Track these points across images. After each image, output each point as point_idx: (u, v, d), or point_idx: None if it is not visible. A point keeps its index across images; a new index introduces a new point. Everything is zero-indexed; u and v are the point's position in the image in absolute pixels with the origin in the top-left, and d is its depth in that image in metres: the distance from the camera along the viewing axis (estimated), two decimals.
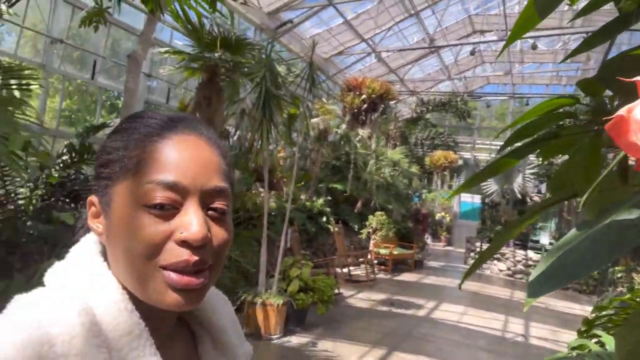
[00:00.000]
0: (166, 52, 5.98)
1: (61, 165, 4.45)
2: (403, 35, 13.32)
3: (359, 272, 9.16)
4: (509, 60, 14.33)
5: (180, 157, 0.53)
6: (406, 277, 9.72)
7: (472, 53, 11.92)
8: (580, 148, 0.93)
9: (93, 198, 0.57)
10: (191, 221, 0.51)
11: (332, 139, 10.00)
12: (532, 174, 11.49)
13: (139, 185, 0.51)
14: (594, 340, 2.39)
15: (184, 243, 0.50)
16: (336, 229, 8.77)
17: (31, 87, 3.18)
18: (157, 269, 0.51)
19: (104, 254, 0.58)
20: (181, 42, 6.50)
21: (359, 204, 11.07)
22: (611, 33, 0.83)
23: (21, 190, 4.15)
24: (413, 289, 8.52)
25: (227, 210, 0.56)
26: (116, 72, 7.19)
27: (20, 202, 4.13)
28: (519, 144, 0.96)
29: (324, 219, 9.15)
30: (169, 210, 0.51)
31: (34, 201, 4.31)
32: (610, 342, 2.27)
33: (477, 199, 17.26)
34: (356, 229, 10.46)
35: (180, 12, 4.14)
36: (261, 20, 9.89)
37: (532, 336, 6.15)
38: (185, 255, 0.50)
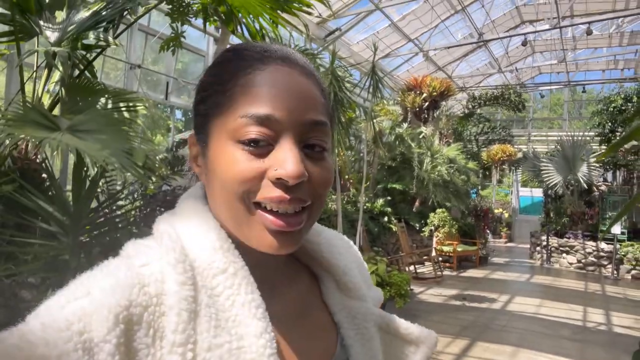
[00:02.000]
0: None
1: (154, 178, 4.87)
2: (449, 32, 13.29)
3: (424, 269, 9.20)
4: (562, 48, 13.92)
5: (274, 89, 0.50)
6: (472, 273, 9.64)
7: (524, 44, 11.71)
8: None
9: (193, 137, 0.56)
10: (286, 157, 0.48)
11: (385, 140, 10.14)
12: (596, 162, 11.09)
13: (232, 120, 0.49)
14: None
15: (278, 180, 0.48)
16: (399, 228, 8.87)
17: (137, 108, 3.57)
18: (252, 207, 0.49)
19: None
20: None
21: (417, 203, 11.10)
22: None
23: (120, 202, 4.58)
24: (482, 284, 8.45)
25: (327, 147, 0.53)
26: (185, 91, 7.69)
27: (118, 212, 4.56)
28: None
29: (385, 218, 9.27)
30: (263, 147, 0.49)
31: (133, 212, 4.75)
32: None
33: (536, 193, 16.76)
34: (417, 228, 10.49)
35: (246, 33, 4.46)
36: (310, 30, 10.22)
37: (615, 325, 5.99)
38: (279, 192, 0.48)
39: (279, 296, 0.57)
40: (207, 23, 4.36)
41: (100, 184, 3.97)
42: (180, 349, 0.43)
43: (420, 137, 9.83)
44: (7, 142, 3.02)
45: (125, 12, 3.62)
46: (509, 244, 16.50)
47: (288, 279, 0.61)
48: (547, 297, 7.45)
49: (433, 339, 0.66)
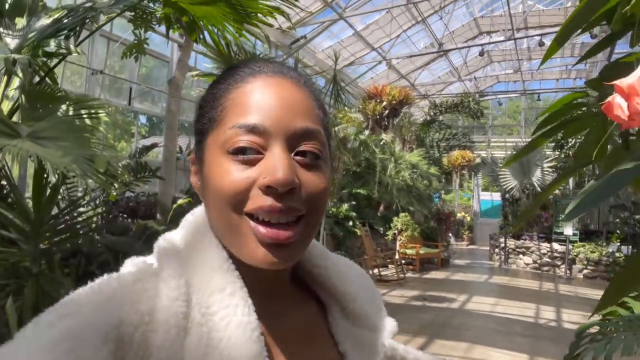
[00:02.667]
0: (197, 75, 6.42)
1: (117, 185, 4.88)
2: (411, 42, 13.71)
3: (387, 272, 9.44)
4: (518, 58, 14.59)
5: (262, 99, 0.50)
6: (434, 274, 9.95)
7: (481, 54, 12.23)
8: (593, 129, 1.28)
9: (192, 156, 0.57)
10: (275, 164, 0.47)
11: (350, 146, 10.36)
12: (550, 167, 11.68)
13: (222, 132, 0.50)
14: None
15: (268, 189, 0.47)
16: (364, 232, 9.08)
17: (100, 115, 3.60)
18: (244, 219, 0.48)
19: None
20: (205, 63, 6.94)
21: (381, 207, 11.36)
22: (606, 45, 1.17)
23: (81, 209, 4.56)
24: (443, 285, 8.75)
25: (321, 154, 0.52)
26: (149, 97, 7.67)
27: (79, 218, 4.54)
28: (546, 128, 1.31)
29: (350, 223, 9.47)
30: (253, 156, 0.49)
31: (94, 218, 4.73)
32: (637, 307, 2.53)
33: (496, 197, 17.40)
34: (381, 231, 10.75)
35: (209, 39, 4.55)
36: (276, 37, 10.36)
37: (565, 321, 6.35)
38: (270, 200, 0.47)
39: (281, 321, 0.55)
40: (171, 30, 4.43)
41: (61, 190, 3.96)
42: None
43: (381, 143, 10.11)
44: None
45: (87, 20, 3.65)
46: (470, 247, 17.04)
47: (293, 303, 0.58)
48: (503, 296, 7.80)
49: None
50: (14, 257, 2.98)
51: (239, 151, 0.48)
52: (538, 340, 5.36)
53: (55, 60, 3.74)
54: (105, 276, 0.46)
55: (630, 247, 10.23)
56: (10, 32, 3.49)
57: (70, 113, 3.57)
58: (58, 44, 3.50)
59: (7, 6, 3.62)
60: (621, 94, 0.76)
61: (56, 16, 3.57)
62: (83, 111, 3.60)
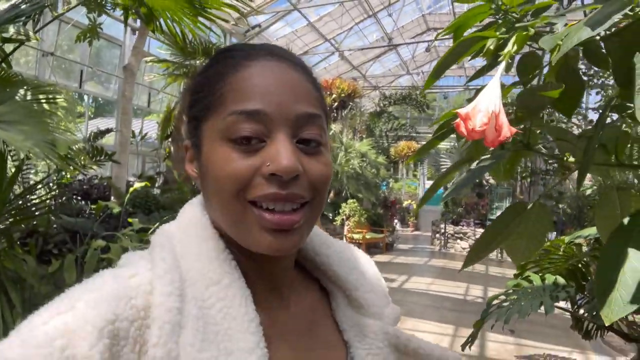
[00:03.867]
0: (152, 61, 6.52)
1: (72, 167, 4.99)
2: (363, 35, 14.16)
3: None
4: None
5: (262, 84, 0.49)
6: (379, 258, 10.56)
7: (427, 50, 12.88)
8: None
9: (187, 143, 0.56)
10: (278, 152, 0.47)
11: None
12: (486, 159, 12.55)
13: (222, 119, 0.49)
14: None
15: (272, 177, 0.47)
16: None
17: (57, 100, 3.72)
18: (248, 206, 0.48)
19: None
20: (157, 48, 7.03)
21: (331, 194, 11.83)
22: (485, 72, 1.56)
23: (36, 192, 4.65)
24: (385, 267, 9.35)
25: (323, 141, 0.52)
26: (102, 79, 7.65)
27: (35, 201, 4.64)
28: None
29: None
30: (255, 144, 0.48)
31: (48, 200, 4.83)
32: (536, 279, 3.05)
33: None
34: (330, 217, 11.23)
35: (165, 28, 4.73)
36: (230, 25, 10.46)
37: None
38: (274, 188, 0.47)
39: (283, 310, 0.55)
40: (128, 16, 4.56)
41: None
42: None
43: (330, 133, 10.57)
44: None
45: (46, 6, 3.74)
46: (415, 232, 17.94)
47: (295, 292, 0.59)
48: (438, 277, 8.50)
49: None
50: None
51: (240, 138, 0.48)
52: (464, 313, 6.00)
53: (12, 46, 3.82)
54: (100, 272, 0.46)
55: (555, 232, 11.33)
56: None
57: (29, 98, 3.68)
58: (17, 30, 3.60)
59: None
60: (461, 118, 1.13)
61: (14, 1, 3.64)
62: (41, 96, 3.72)
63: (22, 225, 3.89)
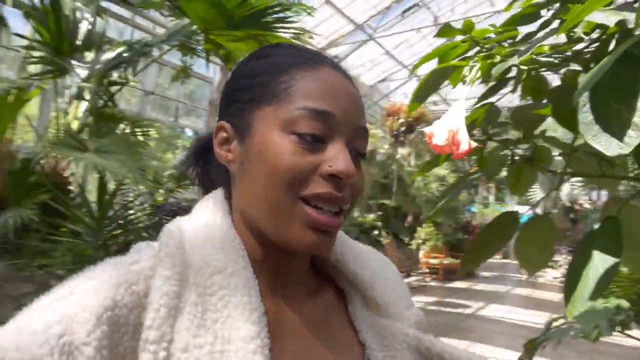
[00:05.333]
0: None
1: (163, 191, 5.66)
2: None
3: (410, 280, 9.86)
4: None
5: (332, 89, 0.50)
6: (457, 284, 10.25)
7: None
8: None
9: (223, 123, 0.55)
10: (339, 155, 0.48)
11: (380, 158, 10.88)
12: (578, 181, 11.73)
13: (287, 111, 0.49)
14: None
15: (331, 177, 0.48)
16: (387, 241, 9.58)
17: (150, 132, 4.37)
18: (297, 202, 0.48)
19: (229, 194, 0.56)
20: None
21: (409, 218, 11.78)
22: (491, 94, 1.66)
23: (132, 211, 5.33)
24: (463, 293, 9.08)
25: (364, 155, 0.54)
26: (194, 113, 8.54)
27: (130, 218, 5.24)
28: None
29: (376, 232, 9.98)
30: (316, 143, 0.49)
31: (143, 218, 5.50)
32: (598, 303, 2.94)
33: (537, 211, 17.25)
34: (406, 241, 11.17)
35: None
36: None
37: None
38: (330, 188, 0.48)
39: (296, 307, 0.54)
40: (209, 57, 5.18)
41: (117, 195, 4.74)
42: (152, 347, 0.41)
43: (397, 157, 10.61)
44: (44, 160, 3.83)
45: (143, 54, 4.42)
46: (504, 260, 17.00)
47: (309, 289, 0.58)
48: (519, 306, 8.06)
49: None
50: (81, 247, 3.75)
51: (306, 134, 0.48)
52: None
53: (116, 87, 4.55)
54: (105, 260, 0.47)
55: None
56: (81, 65, 4.29)
57: (127, 131, 4.36)
58: (119, 75, 4.30)
59: (79, 42, 4.42)
60: (428, 136, 1.29)
61: (118, 50, 4.37)
62: (137, 129, 4.38)
63: (120, 240, 4.54)
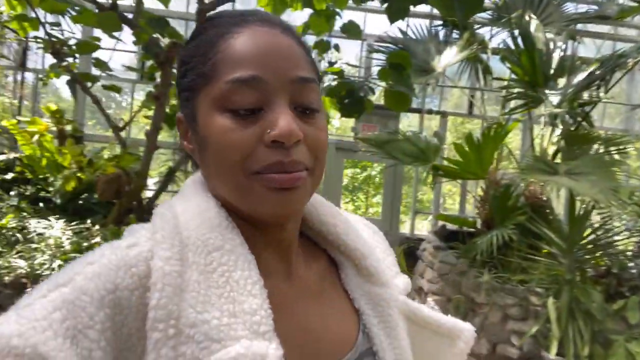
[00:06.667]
0: None
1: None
2: None
3: None
4: None
5: (256, 50, 0.48)
6: None
7: None
8: None
9: (179, 115, 0.55)
10: (278, 118, 0.46)
11: None
12: None
13: (217, 87, 0.48)
14: None
15: (274, 143, 0.46)
16: None
17: (627, 149, 3.96)
18: (253, 176, 0.48)
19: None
20: None
21: None
22: None
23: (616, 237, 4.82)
24: None
25: (318, 107, 0.51)
26: None
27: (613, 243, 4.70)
28: None
29: None
30: (254, 113, 0.47)
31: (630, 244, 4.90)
32: None
33: None
34: None
35: None
36: None
37: None
38: (277, 156, 0.47)
39: (290, 279, 0.55)
40: None
41: (595, 216, 4.52)
42: (161, 325, 0.41)
43: None
44: (522, 185, 4.20)
45: (616, 68, 4.11)
46: None
47: (303, 261, 0.59)
48: None
49: (470, 333, 0.62)
50: (554, 267, 3.85)
51: (238, 107, 0.47)
52: None
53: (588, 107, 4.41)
54: (101, 246, 0.46)
55: None
56: (553, 92, 4.44)
57: (601, 151, 4.13)
58: (590, 95, 4.17)
59: (552, 70, 4.61)
60: None
61: (590, 70, 4.26)
62: (612, 148, 4.06)
63: (600, 264, 4.23)
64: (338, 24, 3.06)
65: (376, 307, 0.58)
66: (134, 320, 0.42)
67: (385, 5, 2.53)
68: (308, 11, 2.92)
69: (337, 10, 2.92)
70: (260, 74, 0.47)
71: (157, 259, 0.44)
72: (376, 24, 6.21)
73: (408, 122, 11.14)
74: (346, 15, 3.12)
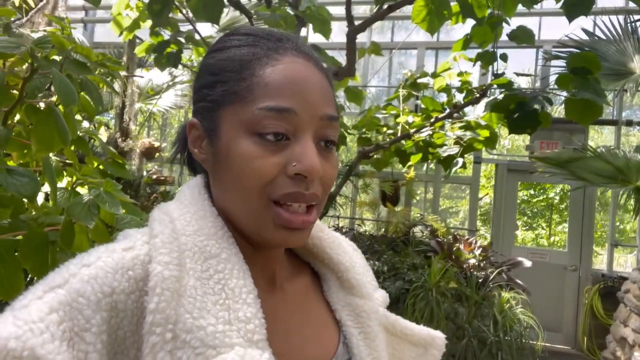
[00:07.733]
0: None
1: None
2: None
3: None
4: None
5: (293, 82, 0.49)
6: None
7: None
8: None
9: (194, 121, 0.54)
10: (304, 152, 0.48)
11: None
12: None
13: (249, 111, 0.48)
14: None
15: (297, 176, 0.48)
16: None
17: None
18: (269, 204, 0.48)
19: (208, 183, 0.56)
20: None
21: None
22: None
23: None
24: None
25: (336, 142, 0.53)
26: None
27: None
28: None
29: None
30: (281, 141, 0.48)
31: None
32: None
33: None
34: None
35: None
36: None
37: None
38: (297, 187, 0.48)
39: (276, 292, 0.56)
40: None
41: None
42: (159, 329, 0.41)
43: None
44: None
45: None
46: None
47: (289, 273, 0.60)
48: None
49: (441, 342, 0.65)
50: None
51: (269, 135, 0.48)
52: None
53: None
54: (95, 247, 0.47)
55: None
56: None
57: None
58: None
59: None
60: None
61: None
62: None
63: None
64: (506, 30, 2.73)
65: (357, 318, 0.60)
66: (129, 323, 0.42)
67: (562, 1, 2.14)
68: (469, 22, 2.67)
69: (505, 16, 2.59)
70: (295, 107, 0.48)
71: (156, 263, 0.44)
72: (554, 29, 5.45)
73: (602, 138, 9.66)
74: (516, 22, 2.76)
